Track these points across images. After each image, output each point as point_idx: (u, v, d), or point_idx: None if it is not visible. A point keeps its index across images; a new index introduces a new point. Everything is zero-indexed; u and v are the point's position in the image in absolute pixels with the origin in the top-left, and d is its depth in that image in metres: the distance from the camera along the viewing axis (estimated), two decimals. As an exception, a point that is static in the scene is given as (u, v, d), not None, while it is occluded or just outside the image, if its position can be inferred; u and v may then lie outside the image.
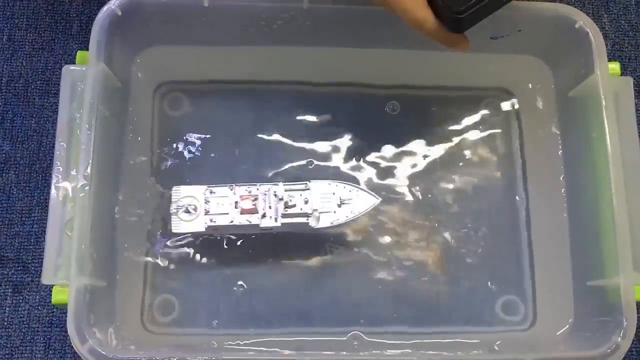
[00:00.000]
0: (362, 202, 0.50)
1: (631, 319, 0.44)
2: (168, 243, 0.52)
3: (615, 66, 0.49)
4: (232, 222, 0.49)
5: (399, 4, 0.43)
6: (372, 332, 0.51)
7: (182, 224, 0.49)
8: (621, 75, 0.50)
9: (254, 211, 0.49)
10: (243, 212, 0.49)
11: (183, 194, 0.50)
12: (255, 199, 0.49)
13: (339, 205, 0.50)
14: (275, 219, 0.49)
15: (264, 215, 0.49)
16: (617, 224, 0.45)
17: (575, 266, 0.51)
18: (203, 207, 0.49)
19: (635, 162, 0.47)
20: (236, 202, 0.49)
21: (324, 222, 0.49)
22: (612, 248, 0.45)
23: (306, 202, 0.49)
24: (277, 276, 0.52)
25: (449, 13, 0.42)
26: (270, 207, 0.49)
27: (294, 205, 0.49)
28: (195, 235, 0.52)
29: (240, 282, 0.52)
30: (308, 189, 0.50)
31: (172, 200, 0.50)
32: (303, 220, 0.49)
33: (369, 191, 0.51)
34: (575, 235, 0.51)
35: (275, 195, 0.49)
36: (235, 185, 0.50)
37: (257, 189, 0.50)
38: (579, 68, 0.50)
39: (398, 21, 0.44)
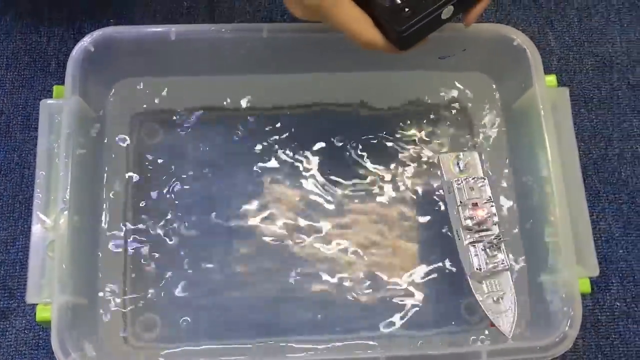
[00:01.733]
0: None
1: (577, 310, 0.47)
2: (147, 260, 0.54)
3: (552, 78, 0.53)
4: None
5: (349, 28, 0.45)
6: (345, 338, 0.53)
7: None
8: (566, 86, 0.53)
9: None
10: None
11: None
12: None
13: None
14: None
15: None
16: (559, 223, 0.49)
17: (528, 265, 0.54)
18: None
19: (574, 164, 0.50)
20: None
21: None
22: (557, 245, 0.49)
23: None
24: (252, 291, 0.54)
25: (393, 33, 0.45)
26: None
27: None
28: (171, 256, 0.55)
29: (216, 297, 0.54)
30: None
31: None
32: None
33: None
34: (525, 236, 0.54)
35: None
36: None
37: None
38: (519, 82, 0.53)
39: (350, 46, 0.47)
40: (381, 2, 0.45)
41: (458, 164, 0.54)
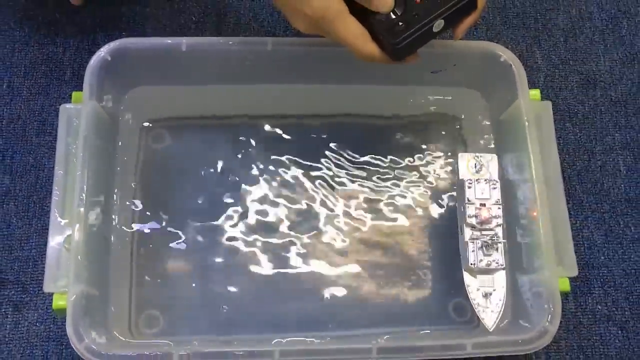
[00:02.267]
0: None
1: (556, 306, 0.50)
2: (153, 258, 0.57)
3: (535, 92, 0.56)
4: None
5: (348, 41, 0.48)
6: (340, 335, 0.55)
7: None
8: (551, 101, 0.56)
9: None
10: None
11: None
12: None
13: None
14: None
15: None
16: (542, 227, 0.51)
17: (513, 267, 0.56)
18: None
19: (555, 171, 0.54)
20: None
21: None
22: (539, 247, 0.51)
23: None
24: (253, 286, 0.57)
25: (388, 45, 0.48)
26: None
27: None
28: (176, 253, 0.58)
29: (220, 292, 0.56)
30: None
31: None
32: None
33: None
34: (509, 238, 0.56)
35: None
36: None
37: None
38: (506, 95, 0.56)
39: (349, 60, 0.50)
40: (378, 17, 0.48)
41: (475, 164, 0.56)
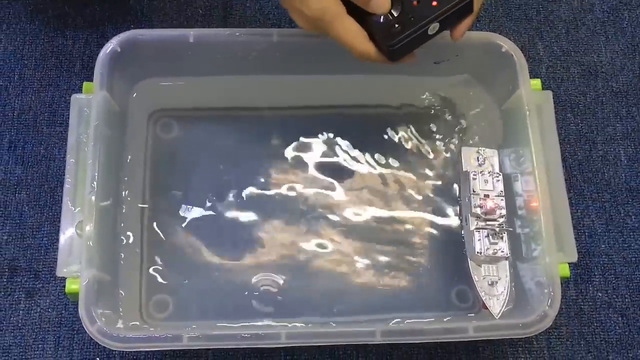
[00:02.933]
0: None
1: (556, 291, 0.50)
2: (163, 245, 0.58)
3: (536, 82, 0.56)
4: None
5: (346, 41, 0.49)
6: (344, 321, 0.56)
7: None
8: (550, 90, 0.57)
9: None
10: None
11: None
12: None
13: None
14: None
15: None
16: (542, 214, 0.52)
17: (515, 253, 0.57)
18: None
19: (556, 160, 0.54)
20: None
21: None
22: (539, 233, 0.52)
23: None
24: (260, 271, 0.58)
25: (384, 46, 0.49)
26: None
27: None
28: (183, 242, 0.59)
29: (228, 278, 0.57)
30: None
31: None
32: None
33: None
34: (510, 225, 0.57)
35: None
36: None
37: None
38: (507, 85, 0.57)
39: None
40: (375, 19, 0.49)
41: (478, 158, 0.58)
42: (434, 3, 0.49)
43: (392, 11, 0.49)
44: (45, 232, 0.61)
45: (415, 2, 0.49)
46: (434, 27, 0.49)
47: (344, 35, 0.49)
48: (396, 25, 0.49)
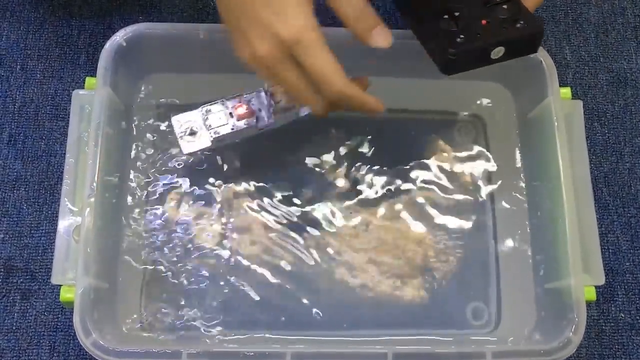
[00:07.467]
0: None
1: (581, 316, 0.48)
2: (164, 252, 0.56)
3: (566, 91, 0.54)
4: (232, 129, 0.52)
5: (326, 74, 0.44)
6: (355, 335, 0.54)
7: (189, 144, 0.53)
8: (580, 99, 0.55)
9: (249, 114, 0.52)
10: (240, 117, 0.52)
11: (183, 120, 0.53)
12: (248, 105, 0.52)
13: None
14: (268, 117, 0.52)
15: (258, 116, 0.52)
16: (568, 232, 0.50)
17: (536, 272, 0.55)
18: (204, 125, 0.53)
19: (585, 175, 0.52)
20: (231, 113, 0.53)
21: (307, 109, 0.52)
22: (565, 253, 0.50)
23: None
24: (266, 283, 0.56)
25: (443, 54, 0.47)
26: (260, 110, 0.52)
27: (280, 101, 0.52)
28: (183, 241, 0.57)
29: (229, 288, 0.56)
30: None
31: (175, 127, 0.53)
32: (293, 112, 0.53)
33: None
34: (535, 244, 0.55)
35: (266, 93, 0.52)
36: (226, 99, 0.53)
37: (246, 97, 0.53)
38: (535, 93, 0.55)
39: (377, 53, 0.48)
40: (435, 24, 0.47)
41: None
42: (504, 27, 0.47)
43: (458, 22, 0.47)
44: (43, 232, 0.59)
45: (484, 22, 0.47)
46: (498, 50, 0.47)
47: (324, 66, 0.43)
48: (461, 36, 0.47)
